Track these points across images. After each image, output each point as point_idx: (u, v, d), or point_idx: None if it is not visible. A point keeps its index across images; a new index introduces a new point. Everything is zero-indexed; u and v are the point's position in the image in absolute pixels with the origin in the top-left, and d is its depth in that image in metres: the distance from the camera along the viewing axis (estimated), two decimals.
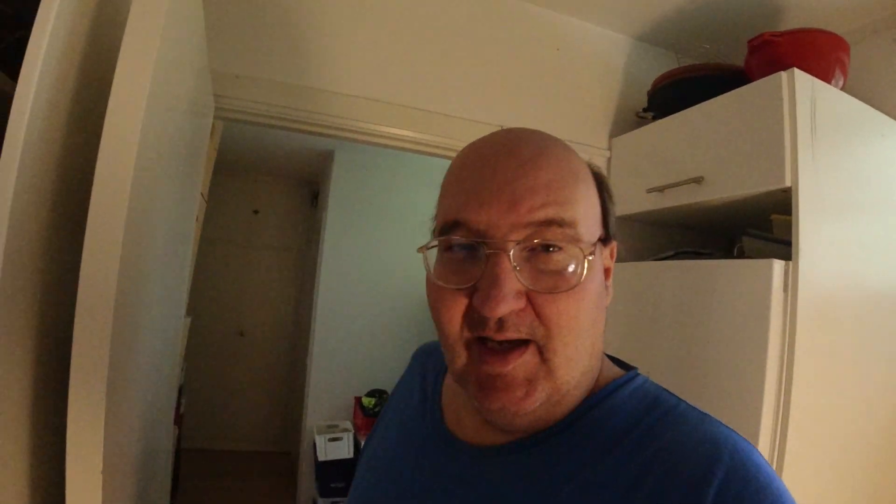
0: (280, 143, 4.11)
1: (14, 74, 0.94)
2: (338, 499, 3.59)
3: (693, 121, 1.69)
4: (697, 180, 1.59)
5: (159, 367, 1.38)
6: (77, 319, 0.82)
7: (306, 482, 3.97)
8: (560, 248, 0.55)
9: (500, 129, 1.87)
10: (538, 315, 0.54)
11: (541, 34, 2.04)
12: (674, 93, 1.84)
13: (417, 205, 3.88)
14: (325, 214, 4.12)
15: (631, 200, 1.92)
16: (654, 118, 1.92)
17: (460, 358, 0.58)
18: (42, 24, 0.82)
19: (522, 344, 0.55)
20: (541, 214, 0.53)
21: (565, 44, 2.08)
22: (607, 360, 0.68)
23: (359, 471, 0.81)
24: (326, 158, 4.29)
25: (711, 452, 0.50)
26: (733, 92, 1.55)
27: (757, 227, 1.56)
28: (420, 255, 0.60)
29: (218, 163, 2.41)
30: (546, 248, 0.54)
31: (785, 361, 1.29)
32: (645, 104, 2.00)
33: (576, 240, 0.55)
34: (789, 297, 1.31)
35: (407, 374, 0.89)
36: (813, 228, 1.35)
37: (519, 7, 2.02)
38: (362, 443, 3.60)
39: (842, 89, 1.54)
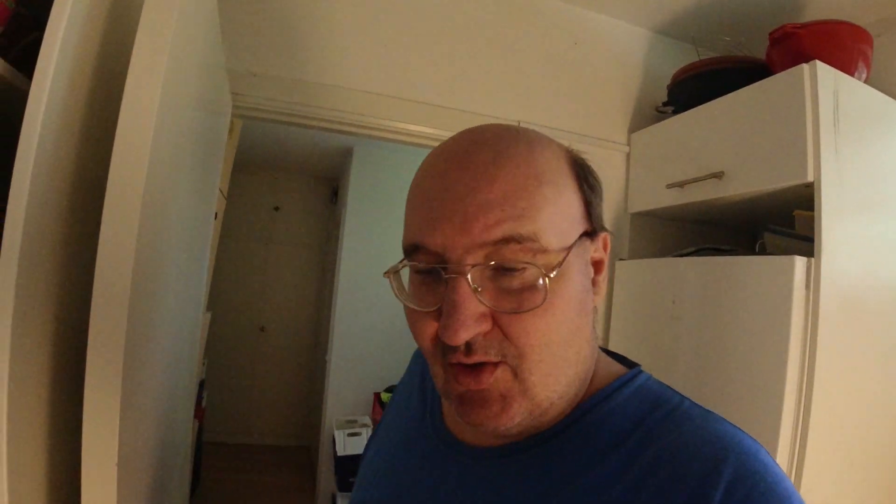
0: (299, 141, 4.13)
1: (32, 75, 0.95)
2: None
3: (713, 115, 1.66)
4: (718, 175, 1.57)
5: (177, 361, 1.40)
6: (92, 315, 0.83)
7: (326, 476, 4.00)
8: (522, 266, 0.51)
9: (516, 124, 1.87)
10: (506, 336, 0.52)
11: (558, 28, 2.03)
12: (694, 86, 1.82)
13: None
14: (345, 211, 4.14)
15: (651, 196, 1.90)
16: (674, 112, 1.90)
17: (439, 376, 0.57)
18: (55, 24, 0.83)
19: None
20: (496, 233, 0.50)
21: (583, 38, 2.06)
22: (606, 357, 0.66)
23: (361, 471, 0.81)
24: (345, 155, 4.31)
25: (717, 452, 0.48)
26: (754, 85, 1.52)
27: (779, 222, 1.54)
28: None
29: (238, 160, 2.43)
30: (507, 266, 0.51)
31: (806, 359, 1.28)
32: (664, 98, 1.98)
33: (541, 252, 0.51)
34: (811, 295, 1.29)
35: (407, 375, 0.88)
36: (836, 224, 1.32)
37: (536, 1, 2.00)
38: None
39: (865, 82, 1.51)
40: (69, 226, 0.97)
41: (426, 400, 0.76)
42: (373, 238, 4.07)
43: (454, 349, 0.52)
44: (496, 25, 1.95)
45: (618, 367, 0.65)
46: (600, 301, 0.62)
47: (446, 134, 1.85)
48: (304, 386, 5.27)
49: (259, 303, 5.21)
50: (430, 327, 0.54)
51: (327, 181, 5.37)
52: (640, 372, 0.63)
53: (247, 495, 4.12)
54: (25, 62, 0.96)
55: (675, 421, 0.54)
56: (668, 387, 0.61)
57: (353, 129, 1.80)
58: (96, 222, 0.86)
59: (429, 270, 0.54)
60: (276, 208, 5.27)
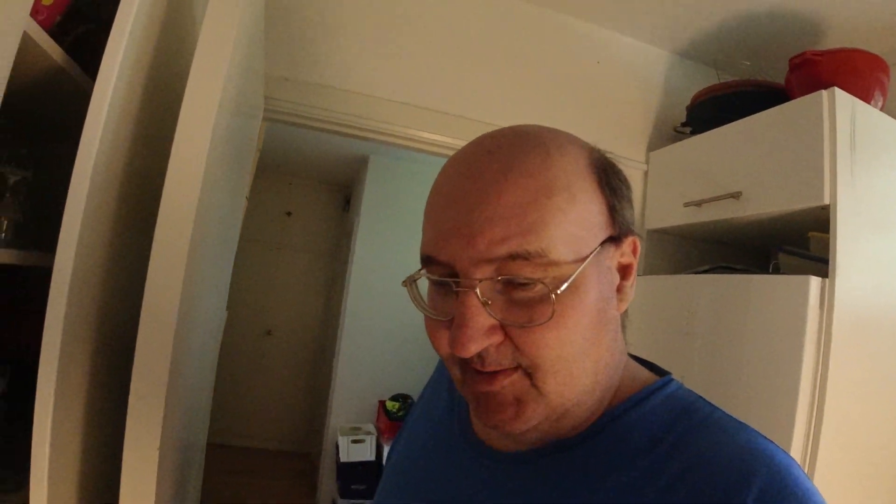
0: (315, 147, 4.17)
1: (82, 64, 0.99)
2: (359, 500, 3.61)
3: (732, 136, 1.70)
4: (735, 195, 1.60)
5: (203, 360, 1.43)
6: (143, 314, 0.87)
7: (327, 483, 4.00)
8: (531, 281, 0.50)
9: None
10: (518, 348, 0.51)
11: (582, 47, 2.08)
12: (713, 108, 1.85)
13: None
14: (357, 219, 4.17)
15: (667, 214, 1.94)
16: (693, 133, 1.93)
17: (457, 378, 0.58)
18: (121, 27, 0.87)
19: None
20: (502, 249, 0.49)
21: (606, 57, 2.10)
22: (635, 364, 0.65)
23: (385, 474, 0.80)
24: (360, 164, 4.35)
25: (748, 464, 0.47)
26: (773, 109, 1.56)
27: (793, 244, 1.56)
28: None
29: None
30: (517, 281, 0.50)
31: (819, 379, 1.29)
32: (683, 119, 2.01)
33: (551, 265, 0.50)
34: (825, 315, 1.31)
35: (433, 378, 0.88)
36: (850, 246, 1.35)
37: (561, 20, 2.05)
38: (385, 446, 3.63)
39: (881, 109, 1.54)
40: (116, 225, 1.00)
41: (453, 405, 0.76)
42: (385, 247, 4.10)
43: (468, 359, 0.53)
44: (521, 42, 1.99)
45: (647, 375, 0.64)
46: (626, 307, 0.60)
47: (464, 144, 1.89)
48: (309, 391, 5.26)
49: (267, 307, 5.22)
50: (445, 335, 0.54)
51: (340, 188, 5.41)
52: (671, 380, 0.62)
53: (245, 499, 4.11)
54: (75, 53, 1.00)
55: (706, 431, 0.53)
56: (700, 396, 0.60)
57: (377, 136, 1.84)
58: (143, 221, 0.89)
59: (443, 281, 0.54)
60: (289, 213, 5.31)
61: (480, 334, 0.50)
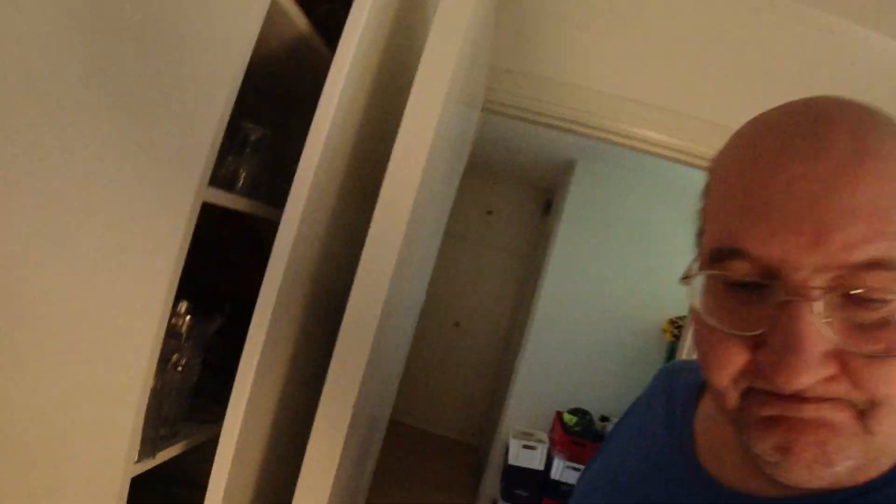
0: (522, 148, 4.19)
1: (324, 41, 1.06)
2: None
3: None
4: None
5: (399, 340, 1.48)
6: (356, 282, 0.91)
7: (491, 481, 4.01)
8: (888, 299, 0.38)
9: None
10: (855, 383, 0.39)
11: (831, 45, 1.82)
12: None
13: (657, 224, 3.68)
14: (558, 224, 4.12)
15: None
16: None
17: (731, 401, 0.44)
18: (360, 6, 0.91)
19: None
20: (861, 254, 0.37)
21: (860, 58, 1.82)
22: None
23: (580, 493, 0.72)
24: (566, 168, 4.28)
25: None
26: None
27: None
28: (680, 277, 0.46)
29: None
30: (866, 297, 0.38)
31: None
32: None
33: None
34: None
35: (646, 395, 0.76)
36: None
37: (810, 15, 1.80)
38: (555, 458, 3.55)
39: None
40: (339, 192, 1.06)
41: (674, 425, 0.64)
42: (583, 255, 4.01)
43: (775, 394, 0.40)
44: (760, 36, 1.81)
45: None
46: None
47: (689, 146, 1.75)
48: (488, 387, 5.35)
49: (457, 299, 5.40)
50: (738, 355, 0.42)
51: (542, 191, 5.41)
52: None
53: (413, 477, 4.27)
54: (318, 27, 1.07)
55: None
56: None
57: (596, 133, 1.81)
58: (363, 196, 0.94)
59: (746, 284, 0.42)
60: (489, 212, 5.43)
61: (815, 361, 0.38)
